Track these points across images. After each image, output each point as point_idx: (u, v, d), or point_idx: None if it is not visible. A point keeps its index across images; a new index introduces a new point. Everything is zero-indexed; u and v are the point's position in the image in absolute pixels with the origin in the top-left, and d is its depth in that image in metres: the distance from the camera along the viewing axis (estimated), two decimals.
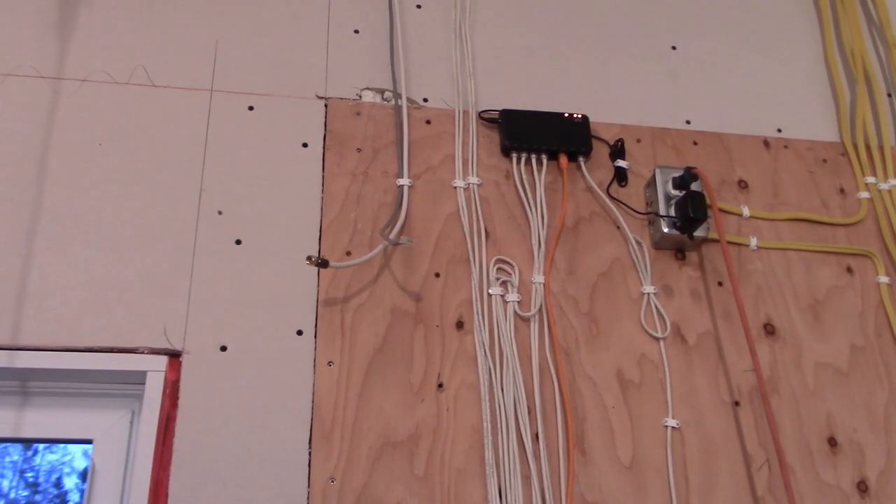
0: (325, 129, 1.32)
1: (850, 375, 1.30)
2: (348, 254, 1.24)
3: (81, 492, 1.13)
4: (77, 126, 1.25)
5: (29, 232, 1.17)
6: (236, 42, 1.36)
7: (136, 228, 1.20)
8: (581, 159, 1.36)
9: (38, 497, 1.25)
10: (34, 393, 1.15)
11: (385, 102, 1.36)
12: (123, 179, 1.23)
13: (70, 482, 1.26)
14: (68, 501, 1.26)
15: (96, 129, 1.25)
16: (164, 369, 1.13)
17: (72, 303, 1.14)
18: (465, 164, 1.33)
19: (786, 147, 1.47)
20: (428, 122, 1.36)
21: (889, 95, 1.57)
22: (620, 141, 1.39)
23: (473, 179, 1.32)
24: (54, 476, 1.26)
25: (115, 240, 1.19)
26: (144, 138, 1.26)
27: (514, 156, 1.34)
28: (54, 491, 1.27)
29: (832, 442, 1.25)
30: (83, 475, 1.22)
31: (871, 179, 1.46)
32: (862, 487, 1.23)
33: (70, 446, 1.25)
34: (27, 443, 1.23)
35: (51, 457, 1.26)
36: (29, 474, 1.26)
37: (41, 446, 1.25)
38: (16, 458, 1.24)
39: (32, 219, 1.18)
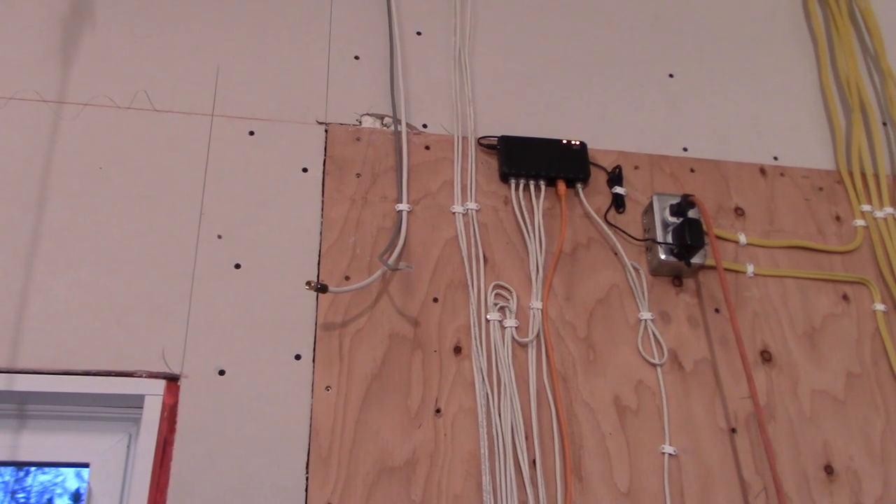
0: (325, 155, 1.33)
1: (847, 403, 1.31)
2: (347, 279, 1.24)
3: None
4: (78, 150, 1.26)
5: (29, 255, 1.18)
6: (237, 67, 1.37)
7: (135, 252, 1.20)
8: (579, 186, 1.37)
9: None
10: (31, 416, 1.15)
11: (385, 128, 1.37)
12: (124, 203, 1.23)
13: None
14: None
15: (97, 152, 1.26)
16: (162, 393, 1.13)
17: (70, 326, 1.14)
18: (463, 189, 1.34)
19: (782, 175, 1.48)
20: (427, 147, 1.37)
21: (884, 124, 1.58)
22: (618, 168, 1.40)
23: (472, 205, 1.33)
24: (46, 497, 1.25)
25: (114, 263, 1.19)
26: (145, 162, 1.26)
27: (513, 182, 1.35)
28: None
29: (829, 470, 1.25)
30: (75, 496, 1.22)
31: (866, 207, 1.47)
32: None
33: (62, 467, 1.25)
34: (23, 466, 1.23)
35: (42, 478, 1.25)
36: (20, 495, 1.25)
37: (33, 467, 1.25)
38: (7, 478, 1.23)
39: (32, 242, 1.19)
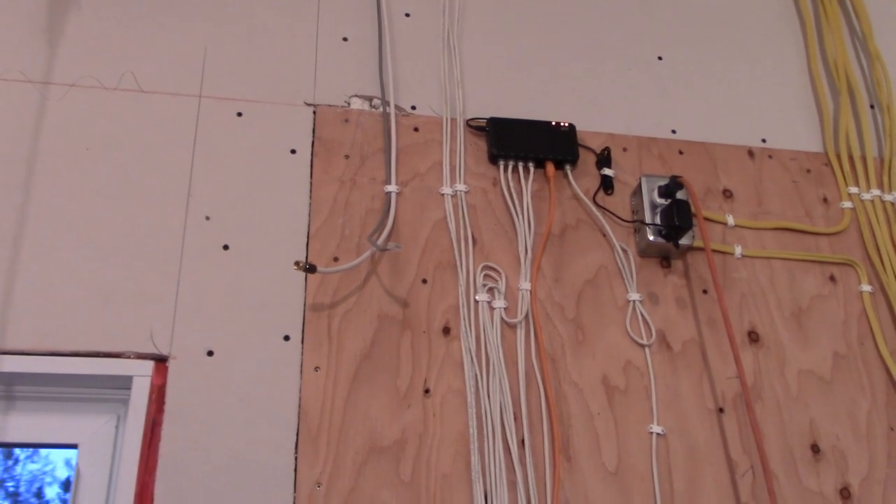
0: (314, 136, 1.32)
1: (833, 383, 1.31)
2: (336, 260, 1.24)
3: (63, 501, 1.12)
4: (65, 131, 1.25)
5: (15, 236, 1.17)
6: (225, 48, 1.36)
7: (123, 233, 1.20)
8: (568, 167, 1.37)
9: None
10: (19, 397, 1.15)
11: (373, 110, 1.37)
12: (111, 184, 1.23)
13: (52, 492, 1.25)
14: None
15: (84, 133, 1.25)
16: (151, 374, 1.13)
17: (58, 307, 1.14)
18: (452, 171, 1.34)
19: (770, 157, 1.48)
20: (416, 129, 1.37)
21: (872, 107, 1.59)
22: (607, 149, 1.40)
23: (461, 186, 1.33)
24: (35, 486, 1.25)
25: (101, 244, 1.19)
26: (132, 143, 1.26)
27: (502, 163, 1.35)
28: (35, 501, 1.26)
29: (815, 449, 1.26)
30: (65, 485, 1.21)
31: (854, 189, 1.48)
32: (845, 494, 1.24)
33: (52, 455, 1.25)
34: (12, 447, 1.22)
35: (32, 466, 1.25)
36: (10, 483, 1.25)
37: (23, 455, 1.24)
38: None
39: (19, 223, 1.18)
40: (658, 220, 1.32)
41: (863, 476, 1.26)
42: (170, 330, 1.15)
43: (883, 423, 1.30)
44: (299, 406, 1.14)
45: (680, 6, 1.61)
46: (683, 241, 1.31)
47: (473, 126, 1.38)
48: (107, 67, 1.30)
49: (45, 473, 1.25)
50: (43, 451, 1.25)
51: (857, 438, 1.28)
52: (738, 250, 1.38)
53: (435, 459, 1.15)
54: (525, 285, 1.27)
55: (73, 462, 1.13)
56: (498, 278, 1.27)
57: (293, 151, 1.30)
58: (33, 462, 1.25)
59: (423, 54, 1.44)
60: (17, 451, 1.24)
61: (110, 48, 1.32)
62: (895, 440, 1.29)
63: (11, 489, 1.24)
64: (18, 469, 1.25)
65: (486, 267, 1.28)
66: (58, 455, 1.24)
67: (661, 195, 1.33)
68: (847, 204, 1.46)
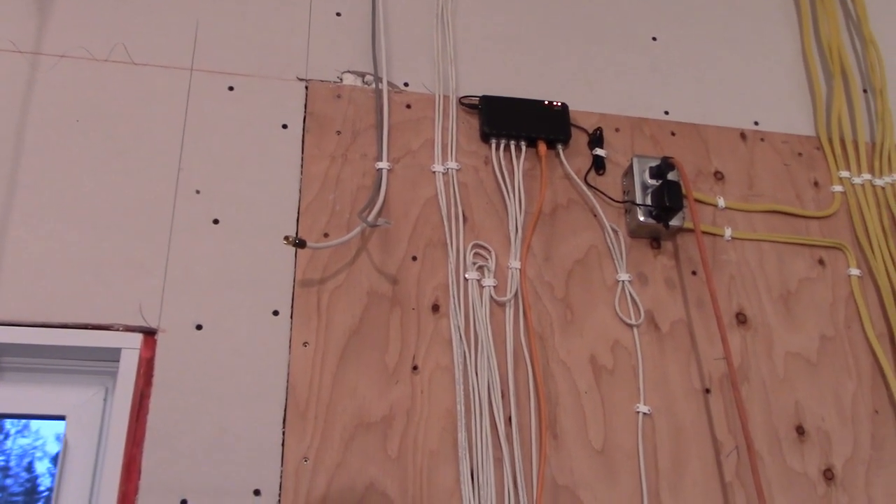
0: (305, 111, 1.32)
1: (820, 365, 1.32)
2: (326, 235, 1.24)
3: (53, 476, 1.12)
4: (54, 102, 1.24)
5: (4, 207, 1.17)
6: (217, 22, 1.35)
7: (112, 205, 1.19)
8: (560, 147, 1.37)
9: (8, 481, 1.24)
10: (7, 368, 1.15)
11: (366, 86, 1.36)
12: (101, 156, 1.22)
13: (42, 467, 1.25)
14: (39, 486, 1.25)
15: (74, 105, 1.24)
16: (139, 347, 1.13)
17: (47, 279, 1.14)
18: (444, 149, 1.34)
19: (762, 140, 1.48)
20: (408, 106, 1.36)
21: (865, 91, 1.59)
22: (599, 130, 1.40)
23: (452, 164, 1.32)
24: (25, 460, 1.25)
25: (91, 216, 1.18)
26: (123, 116, 1.25)
27: (494, 142, 1.35)
28: (25, 475, 1.26)
29: (800, 430, 1.27)
30: (55, 459, 1.21)
31: (844, 173, 1.48)
32: (828, 475, 1.25)
33: (42, 430, 1.25)
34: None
35: (22, 441, 1.25)
36: (0, 458, 1.25)
37: (12, 430, 1.24)
38: None
39: (8, 194, 1.17)
40: (649, 201, 1.33)
41: (846, 457, 1.27)
42: (159, 303, 1.15)
43: (868, 405, 1.31)
44: (287, 381, 1.14)
45: None
46: (673, 222, 1.31)
47: (466, 104, 1.37)
48: (98, 39, 1.29)
49: (35, 448, 1.25)
50: (33, 426, 1.25)
51: (842, 420, 1.29)
52: (727, 232, 1.38)
53: (422, 436, 1.15)
54: (515, 264, 1.27)
55: (63, 432, 1.13)
56: (488, 256, 1.28)
57: (285, 126, 1.30)
58: (24, 437, 1.25)
59: (417, 31, 1.43)
60: (7, 425, 1.24)
61: (101, 19, 1.31)
62: (879, 422, 1.30)
63: (2, 463, 1.24)
64: (9, 444, 1.24)
65: (477, 245, 1.28)
66: (48, 430, 1.24)
67: (652, 176, 1.33)
68: (838, 188, 1.47)
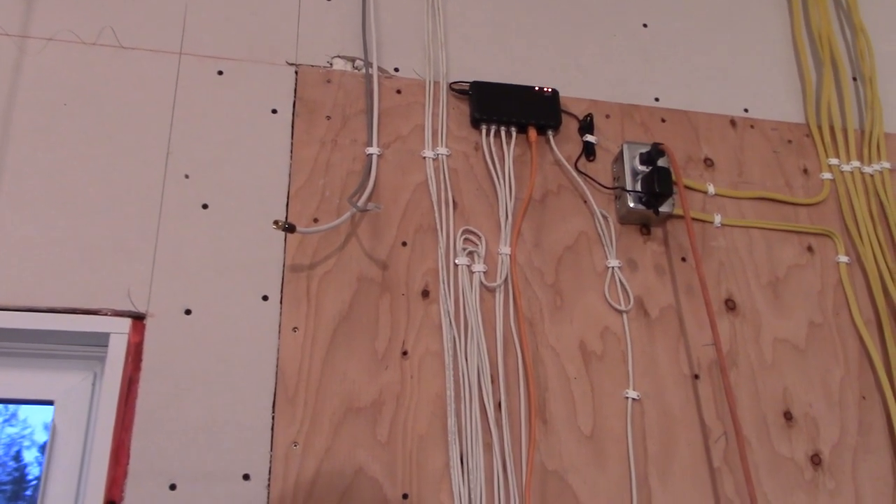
0: (295, 96, 1.31)
1: (808, 352, 1.33)
2: (316, 221, 1.24)
3: (41, 465, 1.12)
4: (42, 85, 1.23)
5: None
6: (206, 5, 1.34)
7: (101, 190, 1.19)
8: (550, 133, 1.37)
9: None
10: None
11: (356, 71, 1.36)
12: (89, 140, 1.21)
13: (30, 455, 1.25)
14: (28, 475, 1.25)
15: (62, 89, 1.24)
16: (128, 332, 1.12)
17: (35, 263, 1.13)
18: (434, 134, 1.33)
19: (752, 127, 1.48)
20: (398, 91, 1.36)
21: (854, 79, 1.59)
22: (589, 116, 1.40)
23: (443, 150, 1.32)
24: (14, 449, 1.25)
25: (79, 201, 1.18)
26: (111, 99, 1.24)
27: (484, 128, 1.35)
28: (13, 464, 1.25)
29: (788, 416, 1.28)
30: (43, 448, 1.21)
31: (834, 161, 1.48)
32: (815, 460, 1.26)
33: (31, 419, 1.24)
34: None
35: (10, 430, 1.25)
36: None
37: (1, 419, 1.24)
38: None
39: None
40: (639, 188, 1.33)
41: (833, 443, 1.28)
42: (147, 288, 1.15)
43: (855, 391, 1.32)
44: (277, 366, 1.14)
45: None
46: (663, 208, 1.31)
47: (456, 89, 1.37)
48: (86, 22, 1.28)
49: (23, 437, 1.25)
50: (21, 415, 1.25)
51: (830, 406, 1.30)
52: (717, 219, 1.38)
53: (412, 420, 1.15)
54: (505, 250, 1.27)
55: (52, 416, 1.13)
56: (478, 242, 1.28)
57: (274, 111, 1.29)
58: (11, 426, 1.25)
59: (408, 16, 1.42)
60: None
61: (90, 2, 1.30)
62: (866, 408, 1.31)
63: None
64: None
65: (467, 231, 1.28)
66: (36, 419, 1.24)
67: (642, 162, 1.33)
68: (827, 175, 1.47)
